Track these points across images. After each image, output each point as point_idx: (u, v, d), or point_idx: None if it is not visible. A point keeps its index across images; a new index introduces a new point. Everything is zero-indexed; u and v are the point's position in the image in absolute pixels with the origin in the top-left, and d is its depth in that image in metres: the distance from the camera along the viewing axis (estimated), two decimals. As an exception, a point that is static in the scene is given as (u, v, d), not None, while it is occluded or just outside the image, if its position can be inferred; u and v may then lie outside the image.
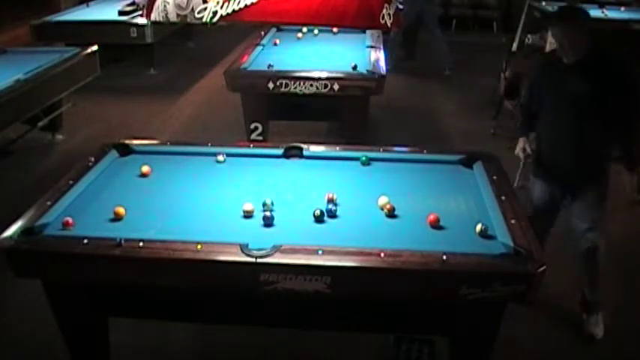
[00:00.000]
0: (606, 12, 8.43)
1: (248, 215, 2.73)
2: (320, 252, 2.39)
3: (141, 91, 7.65)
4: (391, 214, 2.76)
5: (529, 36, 6.38)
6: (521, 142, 3.53)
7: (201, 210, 2.83)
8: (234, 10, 4.28)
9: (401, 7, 4.75)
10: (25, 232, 2.54)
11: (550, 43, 5.76)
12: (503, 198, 2.80)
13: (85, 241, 2.45)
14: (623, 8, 8.90)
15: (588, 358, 3.33)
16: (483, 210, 2.77)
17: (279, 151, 3.41)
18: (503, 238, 2.50)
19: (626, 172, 3.38)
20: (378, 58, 5.37)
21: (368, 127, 5.46)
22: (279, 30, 6.45)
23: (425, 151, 3.40)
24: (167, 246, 2.44)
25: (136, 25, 7.37)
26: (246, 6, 4.26)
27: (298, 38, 6.34)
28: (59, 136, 6.07)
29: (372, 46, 5.75)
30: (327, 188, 2.93)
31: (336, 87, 4.83)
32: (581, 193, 3.30)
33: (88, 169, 3.13)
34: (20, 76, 4.88)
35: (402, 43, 8.68)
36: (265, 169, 3.26)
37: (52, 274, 2.59)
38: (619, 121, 3.17)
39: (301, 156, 3.40)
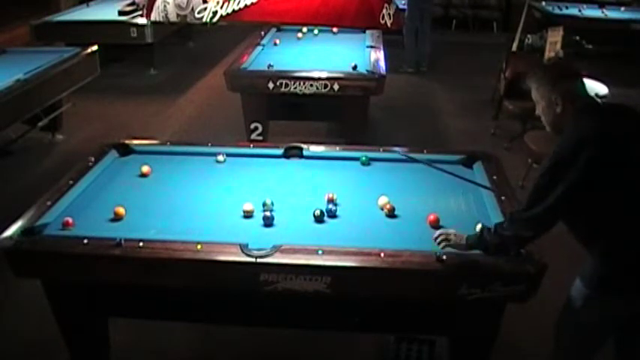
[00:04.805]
0: (606, 12, 8.45)
1: (248, 215, 2.74)
2: (320, 252, 2.39)
3: (141, 91, 7.64)
4: (391, 214, 2.76)
5: (529, 36, 6.38)
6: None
7: (201, 210, 2.83)
8: (234, 10, 4.29)
9: (402, 7, 4.75)
10: (25, 232, 2.54)
11: (550, 44, 5.76)
12: (503, 198, 2.80)
13: (85, 241, 2.46)
14: (623, 8, 8.91)
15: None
16: (483, 210, 2.77)
17: (279, 151, 3.41)
18: (503, 238, 2.49)
19: None
20: (378, 58, 5.37)
21: (368, 127, 5.46)
22: (279, 30, 6.45)
23: (425, 151, 3.40)
24: (167, 246, 2.44)
25: (136, 25, 7.37)
26: (246, 6, 4.27)
27: (298, 38, 6.34)
28: (59, 136, 6.06)
29: (372, 46, 5.75)
30: (327, 188, 2.93)
31: (336, 87, 4.82)
32: None
33: (88, 169, 3.13)
34: (20, 76, 4.88)
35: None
36: (265, 169, 3.26)
37: (52, 274, 2.59)
38: None
39: (301, 156, 3.40)
